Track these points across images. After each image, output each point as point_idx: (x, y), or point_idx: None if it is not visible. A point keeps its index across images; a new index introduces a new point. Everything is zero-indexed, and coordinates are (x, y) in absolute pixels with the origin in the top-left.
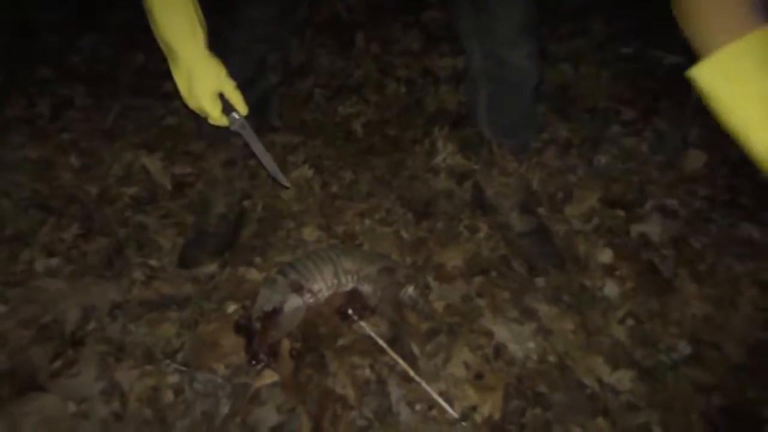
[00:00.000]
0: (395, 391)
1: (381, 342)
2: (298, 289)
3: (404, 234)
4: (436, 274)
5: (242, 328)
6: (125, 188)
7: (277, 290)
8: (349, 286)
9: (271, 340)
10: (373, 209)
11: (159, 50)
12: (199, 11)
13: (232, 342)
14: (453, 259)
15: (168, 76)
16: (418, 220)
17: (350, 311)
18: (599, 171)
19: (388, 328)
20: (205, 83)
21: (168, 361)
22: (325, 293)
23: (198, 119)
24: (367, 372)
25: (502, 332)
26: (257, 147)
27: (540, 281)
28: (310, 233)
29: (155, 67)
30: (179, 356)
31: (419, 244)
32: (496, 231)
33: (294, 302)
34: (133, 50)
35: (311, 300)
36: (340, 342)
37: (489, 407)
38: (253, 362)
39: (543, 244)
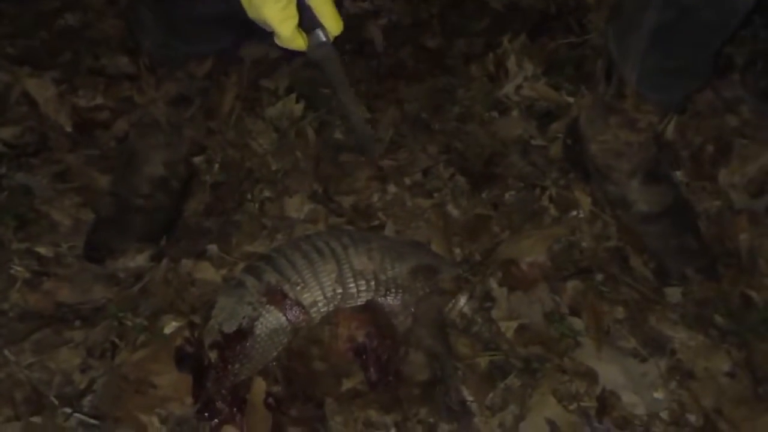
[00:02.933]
0: None
1: None
2: (278, 299)
3: (452, 210)
4: (504, 277)
5: (188, 359)
6: None
7: (246, 300)
8: (363, 297)
9: (235, 380)
10: (402, 169)
11: None
12: None
13: (171, 380)
14: (531, 252)
15: None
16: (476, 187)
17: (369, 343)
18: None
19: (425, 364)
20: None
21: (68, 410)
22: (322, 308)
23: (138, 26)
24: None
25: (611, 373)
26: (346, 92)
27: (675, 292)
28: (297, 207)
29: None
30: (86, 402)
31: (477, 228)
32: (603, 208)
33: (272, 320)
34: None
35: (300, 318)
36: (347, 385)
37: None
38: (206, 414)
39: (681, 232)
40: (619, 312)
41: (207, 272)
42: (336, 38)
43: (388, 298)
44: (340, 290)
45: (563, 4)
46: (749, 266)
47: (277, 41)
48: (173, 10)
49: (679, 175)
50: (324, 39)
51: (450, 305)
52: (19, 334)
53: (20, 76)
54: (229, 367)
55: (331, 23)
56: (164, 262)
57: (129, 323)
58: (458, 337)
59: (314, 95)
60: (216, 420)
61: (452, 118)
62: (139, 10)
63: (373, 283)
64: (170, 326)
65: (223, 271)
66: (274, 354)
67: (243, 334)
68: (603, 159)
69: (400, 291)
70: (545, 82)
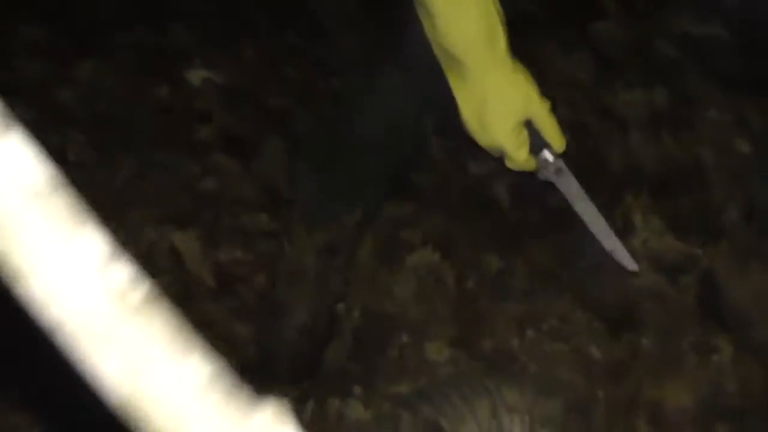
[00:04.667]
0: None
1: None
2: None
3: (594, 352)
4: (651, 417)
5: None
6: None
7: None
8: None
9: None
10: (538, 315)
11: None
12: (498, 4)
13: None
14: (676, 395)
15: (202, 118)
16: (614, 332)
17: None
18: None
19: None
20: (507, 109)
21: None
22: None
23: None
24: None
25: None
26: (585, 205)
27: None
28: (437, 351)
29: (183, 105)
30: None
31: (619, 370)
32: (747, 354)
33: None
34: (151, 81)
35: None
36: None
37: None
38: None
39: None
40: None
41: (354, 410)
42: (461, 197)
43: None
44: (495, 426)
45: (684, 166)
46: None
47: (508, 164)
48: (335, 176)
49: None
50: (552, 158)
51: None
52: None
53: (165, 233)
54: None
55: (557, 142)
56: (310, 403)
57: None
58: None
59: (449, 247)
60: None
61: (582, 269)
62: (300, 178)
63: (527, 418)
64: None
65: (371, 410)
66: None
67: None
68: (744, 306)
69: (555, 428)
70: (673, 236)
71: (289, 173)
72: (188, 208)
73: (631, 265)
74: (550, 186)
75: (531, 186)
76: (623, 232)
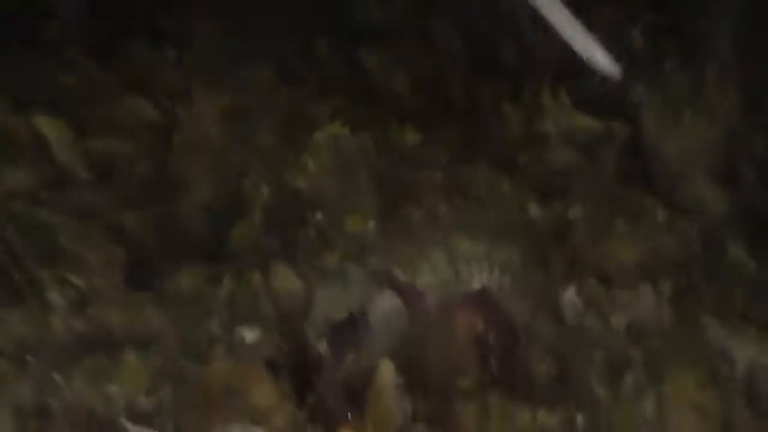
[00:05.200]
0: None
1: None
2: (389, 282)
3: (529, 216)
4: (598, 275)
5: (283, 365)
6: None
7: (351, 286)
8: (477, 281)
9: (351, 372)
10: (465, 183)
11: None
12: None
13: (266, 390)
14: (617, 255)
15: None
16: (543, 201)
17: (488, 334)
18: None
19: (549, 357)
20: None
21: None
22: (436, 292)
23: None
24: None
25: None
26: (557, 10)
27: None
28: (360, 224)
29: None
30: (158, 421)
31: (556, 233)
32: (678, 211)
33: (387, 303)
34: None
35: (416, 301)
36: (470, 377)
37: None
38: (318, 417)
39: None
40: None
41: (284, 279)
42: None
43: (504, 282)
44: (452, 275)
45: None
46: None
47: None
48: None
49: None
50: None
51: (563, 296)
52: (67, 360)
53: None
54: (344, 357)
55: None
56: (226, 279)
57: (198, 338)
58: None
59: (362, 120)
60: (330, 421)
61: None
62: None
63: (486, 265)
64: (252, 334)
65: (302, 279)
66: (392, 341)
67: (355, 320)
68: (677, 162)
69: (517, 275)
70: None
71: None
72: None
73: (611, 68)
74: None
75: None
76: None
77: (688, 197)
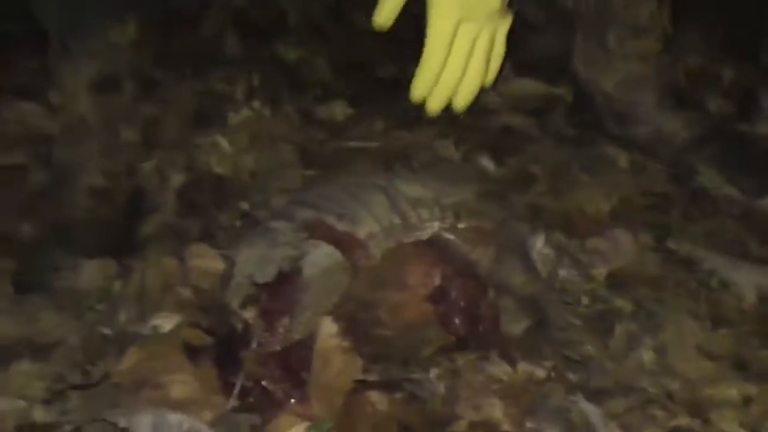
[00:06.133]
0: None
1: None
2: (324, 232)
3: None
4: (568, 226)
5: (204, 349)
6: None
7: (279, 241)
8: (429, 227)
9: (287, 340)
10: (407, 151)
11: None
12: None
13: (187, 380)
14: (587, 204)
15: None
16: (498, 159)
17: (448, 286)
18: None
19: (521, 308)
20: None
21: None
22: (382, 242)
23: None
24: None
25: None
26: None
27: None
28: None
29: None
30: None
31: (517, 184)
32: (640, 153)
33: (322, 255)
34: None
35: (357, 252)
36: (430, 339)
37: None
38: (251, 404)
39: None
40: None
41: (207, 259)
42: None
43: (460, 226)
44: (398, 220)
45: None
46: None
47: None
48: None
49: None
50: None
51: (531, 242)
52: None
53: None
54: (277, 323)
55: None
56: (136, 271)
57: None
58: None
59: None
60: (268, 408)
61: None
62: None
63: (437, 209)
64: (169, 322)
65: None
66: (334, 300)
67: (287, 278)
68: (621, 97)
69: (473, 217)
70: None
71: None
72: None
73: None
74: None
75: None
76: None
77: (647, 133)
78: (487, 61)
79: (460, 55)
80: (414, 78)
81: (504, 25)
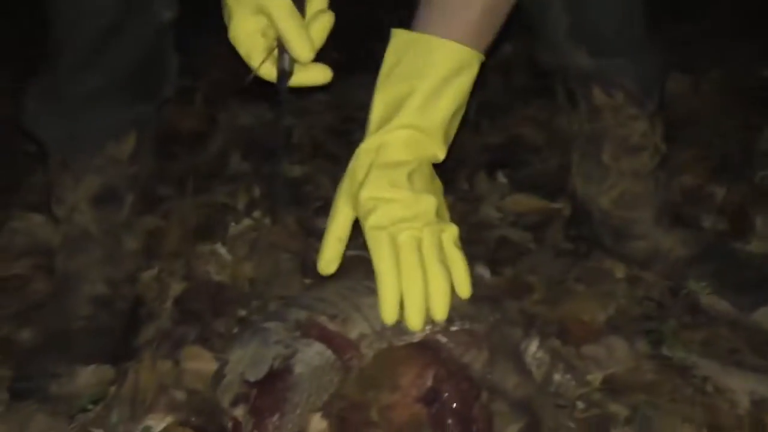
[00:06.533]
0: None
1: None
2: (316, 331)
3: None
4: (561, 334)
5: None
6: None
7: (271, 340)
8: (418, 332)
9: None
10: None
11: None
12: None
13: None
14: (586, 313)
15: None
16: (494, 268)
17: (440, 388)
18: None
19: (515, 410)
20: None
21: None
22: (374, 343)
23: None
24: None
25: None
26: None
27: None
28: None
29: None
30: None
31: (511, 293)
32: (636, 267)
33: (313, 354)
34: None
35: (349, 353)
36: None
37: None
38: None
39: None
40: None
41: (199, 360)
42: None
43: (452, 329)
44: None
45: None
46: None
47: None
48: (63, 88)
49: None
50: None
51: (524, 346)
52: None
53: None
54: (267, 421)
55: (300, 49)
56: (130, 374)
57: None
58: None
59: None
60: None
61: None
62: (27, 105)
63: (429, 311)
64: (160, 423)
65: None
66: (324, 398)
67: (278, 376)
68: (618, 213)
69: (466, 320)
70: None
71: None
72: None
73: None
74: None
75: None
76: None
77: (643, 249)
78: (445, 265)
79: (411, 264)
80: (380, 302)
81: (449, 232)
